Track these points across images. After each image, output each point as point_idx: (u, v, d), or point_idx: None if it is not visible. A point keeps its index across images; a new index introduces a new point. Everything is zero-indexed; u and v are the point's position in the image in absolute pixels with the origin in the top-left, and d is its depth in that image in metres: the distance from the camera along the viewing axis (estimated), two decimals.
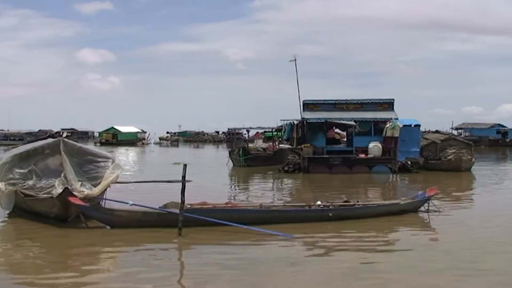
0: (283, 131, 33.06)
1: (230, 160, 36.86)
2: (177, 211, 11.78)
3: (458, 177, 27.99)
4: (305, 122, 30.51)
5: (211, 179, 27.19)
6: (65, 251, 10.99)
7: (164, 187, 17.49)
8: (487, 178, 28.52)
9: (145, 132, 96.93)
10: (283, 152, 36.14)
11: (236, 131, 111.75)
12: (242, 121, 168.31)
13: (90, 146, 18.69)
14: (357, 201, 14.62)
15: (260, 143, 43.95)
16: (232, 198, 19.57)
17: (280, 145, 36.00)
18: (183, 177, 11.66)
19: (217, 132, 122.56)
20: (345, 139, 35.14)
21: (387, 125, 29.47)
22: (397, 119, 29.94)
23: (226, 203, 13.89)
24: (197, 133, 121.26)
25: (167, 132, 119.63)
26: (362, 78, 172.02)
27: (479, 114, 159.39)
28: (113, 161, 15.08)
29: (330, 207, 13.91)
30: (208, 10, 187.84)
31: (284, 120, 32.62)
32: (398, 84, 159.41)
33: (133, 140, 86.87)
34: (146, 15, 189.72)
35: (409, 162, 30.47)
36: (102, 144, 79.88)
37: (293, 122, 31.07)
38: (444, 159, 30.44)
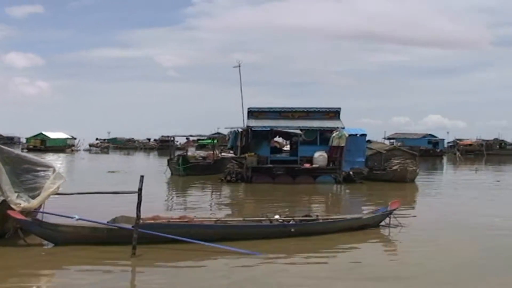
0: (227, 139, 32.05)
1: (168, 169, 35.56)
2: (130, 226, 10.58)
3: (403, 188, 27.77)
4: (249, 130, 29.51)
5: (151, 189, 25.81)
6: (0, 272, 9.59)
7: (108, 198, 16.21)
8: (431, 188, 28.49)
9: (75, 139, 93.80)
10: (223, 161, 35.31)
11: (170, 138, 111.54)
12: (173, 128, 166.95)
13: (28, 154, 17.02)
14: (317, 215, 13.78)
15: (195, 151, 42.52)
16: (179, 210, 18.40)
17: (222, 153, 34.98)
18: (140, 189, 10.49)
19: (148, 139, 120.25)
20: (288, 148, 34.62)
21: (334, 134, 29.02)
22: (343, 128, 29.49)
23: (181, 217, 12.74)
24: (128, 140, 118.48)
25: (97, 139, 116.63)
26: (296, 87, 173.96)
27: (406, 124, 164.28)
28: (54, 171, 13.65)
29: (291, 222, 13.04)
30: (141, 16, 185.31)
31: (229, 127, 31.67)
32: (330, 93, 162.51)
33: (62, 147, 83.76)
34: (78, 19, 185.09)
35: (351, 173, 30.02)
36: (29, 150, 75.98)
37: (238, 130, 30.11)
38: (389, 170, 30.20)
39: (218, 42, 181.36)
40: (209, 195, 25.12)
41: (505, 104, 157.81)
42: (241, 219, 13.36)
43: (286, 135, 32.05)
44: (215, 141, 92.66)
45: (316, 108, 31.10)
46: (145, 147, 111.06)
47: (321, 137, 29.98)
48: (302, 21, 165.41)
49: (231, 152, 32.35)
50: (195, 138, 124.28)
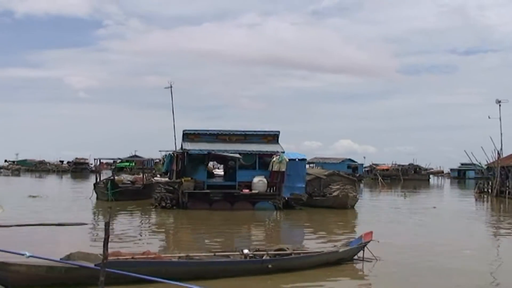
0: (162, 162, 30.19)
1: (94, 193, 33.28)
2: (93, 265, 8.85)
3: (344, 215, 27.05)
4: (185, 153, 27.90)
5: (80, 217, 23.76)
6: None
7: (45, 230, 14.25)
8: (373, 214, 27.76)
9: None
10: (152, 186, 33.52)
11: (83, 160, 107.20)
12: (83, 150, 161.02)
13: None
14: (293, 249, 12.48)
15: (122, 175, 40.11)
16: (116, 242, 16.45)
17: (155, 178, 33.04)
18: (107, 223, 8.77)
19: (61, 161, 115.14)
20: (221, 173, 33.24)
21: (274, 159, 27.88)
22: (283, 152, 28.45)
23: (144, 253, 11.04)
24: (40, 162, 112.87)
25: (5, 161, 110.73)
26: (207, 110, 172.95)
27: (318, 148, 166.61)
28: None
29: (265, 256, 11.66)
30: (50, 37, 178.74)
31: (163, 150, 29.98)
32: (243, 117, 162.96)
33: None
34: None
35: (288, 199, 28.95)
36: None
37: (173, 153, 28.41)
38: (330, 196, 29.34)
39: (131, 64, 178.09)
40: (144, 222, 23.34)
41: (410, 131, 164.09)
42: (211, 254, 11.81)
43: (222, 159, 30.62)
44: (133, 163, 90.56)
45: (254, 131, 29.95)
46: (57, 169, 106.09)
47: (260, 162, 28.81)
48: (214, 46, 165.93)
49: (166, 176, 30.43)
50: (110, 161, 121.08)
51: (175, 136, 30.40)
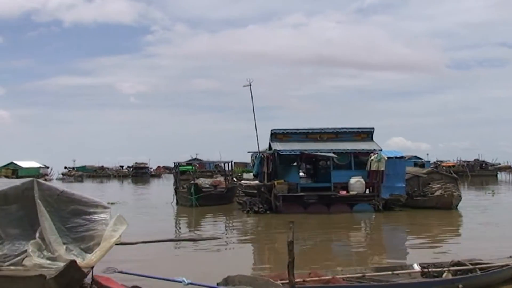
0: (251, 164, 28.33)
1: (174, 198, 31.83)
2: None
3: (450, 216, 24.62)
4: (276, 154, 25.99)
5: (167, 225, 22.36)
6: None
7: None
8: (483, 215, 25.10)
9: (48, 167, 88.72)
10: (235, 190, 31.91)
11: (143, 165, 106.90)
12: (138, 155, 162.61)
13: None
14: (475, 262, 10.35)
15: (200, 179, 38.53)
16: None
17: (243, 181, 31.21)
18: (291, 242, 6.88)
19: (121, 166, 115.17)
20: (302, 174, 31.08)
21: (372, 157, 25.71)
22: (381, 150, 26.22)
23: (311, 274, 9.08)
24: (100, 168, 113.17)
25: (65, 167, 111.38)
26: (258, 112, 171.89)
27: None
28: (110, 212, 9.95)
29: (445, 274, 9.56)
30: (100, 44, 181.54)
31: (252, 151, 28.14)
32: (292, 118, 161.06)
33: (35, 176, 77.74)
34: (37, 48, 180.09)
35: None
36: None
37: (263, 154, 26.52)
38: (432, 195, 26.92)
39: (179, 69, 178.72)
40: (249, 230, 21.47)
41: (464, 126, 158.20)
42: (388, 272, 9.77)
43: (311, 159, 28.56)
44: (191, 167, 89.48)
45: (347, 128, 27.83)
46: (118, 174, 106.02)
47: (355, 161, 26.65)
48: (261, 48, 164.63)
49: (255, 179, 28.55)
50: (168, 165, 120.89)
51: (257, 137, 28.57)
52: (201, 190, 30.68)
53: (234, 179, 38.81)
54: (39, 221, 9.16)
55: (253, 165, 28.61)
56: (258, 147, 29.38)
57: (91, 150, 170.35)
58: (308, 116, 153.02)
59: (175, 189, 32.03)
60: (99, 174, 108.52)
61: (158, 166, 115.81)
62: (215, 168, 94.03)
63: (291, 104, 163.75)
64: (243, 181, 30.47)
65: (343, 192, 25.77)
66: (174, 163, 37.01)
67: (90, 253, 9.27)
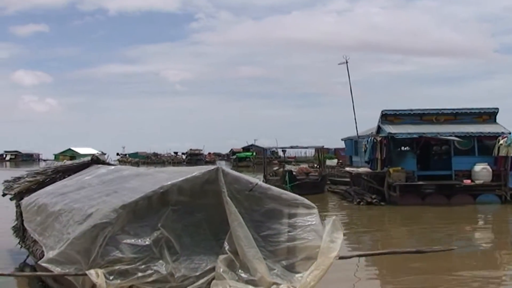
0: (363, 149, 25.19)
1: None
2: None
3: None
4: (390, 138, 22.83)
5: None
6: None
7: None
8: None
9: (105, 154, 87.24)
10: (326, 178, 29.02)
11: (197, 151, 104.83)
12: (183, 142, 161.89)
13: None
14: None
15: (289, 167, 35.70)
16: None
17: (348, 168, 28.06)
18: None
19: (175, 153, 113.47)
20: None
21: (501, 142, 22.27)
22: (510, 133, 22.76)
23: None
24: (154, 154, 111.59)
25: (118, 154, 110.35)
26: (302, 98, 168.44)
27: None
28: (318, 214, 7.06)
29: None
30: (146, 32, 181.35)
31: (345, 137, 25.07)
32: (336, 104, 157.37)
33: None
34: (83, 37, 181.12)
35: None
36: None
37: (375, 138, 23.36)
38: None
39: (223, 56, 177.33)
40: (366, 225, 18.50)
41: None
42: None
43: (426, 144, 25.19)
44: (254, 153, 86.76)
45: (467, 109, 24.52)
46: (173, 161, 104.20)
47: (478, 146, 23.25)
48: (305, 34, 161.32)
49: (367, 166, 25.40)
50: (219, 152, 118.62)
51: (355, 120, 25.63)
52: (296, 178, 27.74)
53: (316, 166, 35.99)
54: (228, 228, 6.35)
55: (365, 150, 25.41)
56: (357, 131, 26.50)
57: (138, 137, 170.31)
58: (355, 102, 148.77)
59: (264, 177, 29.15)
60: (153, 161, 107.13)
61: (209, 153, 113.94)
62: (272, 155, 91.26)
63: (336, 90, 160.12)
64: (348, 169, 27.25)
65: (468, 181, 22.47)
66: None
67: (297, 273, 6.46)
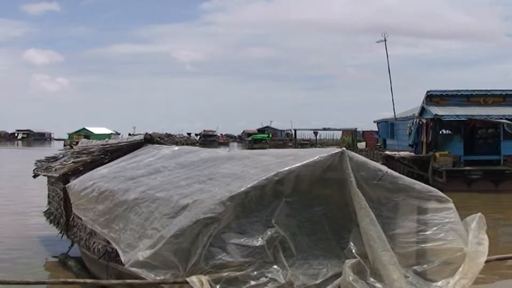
0: (408, 132, 23.82)
1: None
2: None
3: None
4: (437, 120, 21.47)
5: None
6: None
7: None
8: None
9: (119, 134, 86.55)
10: None
11: (211, 132, 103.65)
12: (192, 123, 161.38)
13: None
14: None
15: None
16: None
17: (388, 152, 26.67)
18: None
19: (189, 134, 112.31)
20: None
21: None
22: None
23: None
24: (167, 135, 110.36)
25: (130, 134, 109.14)
26: (314, 80, 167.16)
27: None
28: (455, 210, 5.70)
29: None
30: (157, 12, 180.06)
31: (378, 120, 23.69)
32: (348, 87, 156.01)
33: None
34: (94, 16, 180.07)
35: None
36: (72, 147, 69.07)
37: (420, 121, 21.99)
38: None
39: (234, 36, 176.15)
40: None
41: None
42: None
43: (475, 127, 23.83)
44: (270, 135, 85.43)
45: None
46: (186, 142, 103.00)
47: None
48: (316, 15, 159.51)
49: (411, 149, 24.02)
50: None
51: (393, 101, 24.18)
52: None
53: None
54: (351, 225, 5.10)
55: (409, 133, 24.00)
56: (394, 114, 25.10)
57: (148, 117, 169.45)
58: (365, 85, 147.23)
59: None
60: (166, 141, 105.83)
61: (221, 134, 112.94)
62: (287, 137, 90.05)
63: (348, 73, 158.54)
64: (389, 152, 25.86)
65: None
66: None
67: (433, 282, 5.20)
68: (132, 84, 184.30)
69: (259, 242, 4.82)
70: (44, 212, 11.51)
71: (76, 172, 9.10)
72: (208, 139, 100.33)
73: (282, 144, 73.29)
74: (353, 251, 5.06)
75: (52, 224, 10.70)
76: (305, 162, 5.07)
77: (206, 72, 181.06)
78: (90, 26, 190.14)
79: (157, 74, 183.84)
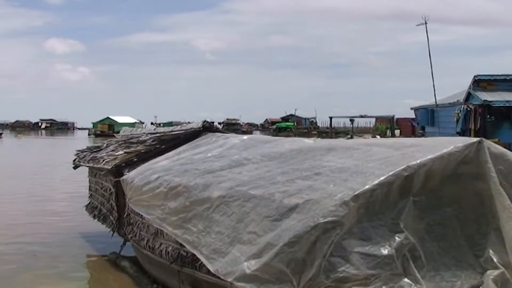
0: (455, 119, 22.78)
1: None
2: None
3: None
4: (486, 106, 20.41)
5: None
6: None
7: None
8: None
9: (143, 123, 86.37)
10: None
11: (234, 121, 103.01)
12: (212, 112, 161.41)
13: None
14: None
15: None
16: None
17: None
18: None
19: (212, 122, 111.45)
20: None
21: None
22: None
23: None
24: (189, 124, 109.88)
25: (152, 123, 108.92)
26: (334, 68, 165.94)
27: None
28: None
29: None
30: (177, 0, 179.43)
31: (416, 107, 22.63)
32: (370, 75, 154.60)
33: None
34: (115, 5, 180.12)
35: None
36: (97, 136, 70.11)
37: (468, 106, 20.93)
38: None
39: (254, 25, 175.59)
40: None
41: None
42: None
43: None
44: (295, 123, 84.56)
45: None
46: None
47: None
48: (336, 3, 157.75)
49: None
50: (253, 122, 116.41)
51: (433, 86, 23.04)
52: None
53: (377, 136, 33.52)
54: (485, 228, 4.24)
55: (457, 120, 22.95)
56: (435, 100, 24.05)
57: (169, 106, 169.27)
58: (386, 73, 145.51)
59: None
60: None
61: (244, 123, 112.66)
62: (311, 125, 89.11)
63: (368, 60, 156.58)
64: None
65: None
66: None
67: None
68: (152, 73, 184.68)
69: (387, 250, 3.99)
70: (85, 206, 10.83)
71: (130, 163, 8.31)
72: (231, 128, 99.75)
73: (307, 133, 72.47)
74: (494, 260, 4.21)
75: (96, 220, 10.02)
76: (438, 154, 4.21)
77: (226, 61, 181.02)
78: (111, 15, 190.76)
79: (177, 63, 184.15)
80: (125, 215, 7.98)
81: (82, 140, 61.31)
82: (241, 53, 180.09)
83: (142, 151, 8.41)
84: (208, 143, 7.66)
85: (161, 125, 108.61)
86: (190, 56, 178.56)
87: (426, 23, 24.46)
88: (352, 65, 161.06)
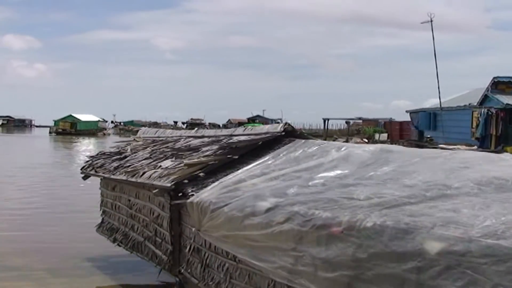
0: (475, 123, 21.26)
1: None
2: None
3: None
4: (506, 111, 19.10)
5: None
6: None
7: None
8: None
9: (106, 121, 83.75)
10: None
11: (198, 121, 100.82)
12: (172, 111, 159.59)
13: None
14: None
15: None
16: None
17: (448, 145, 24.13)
18: None
19: (175, 122, 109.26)
20: None
21: None
22: None
23: None
24: (154, 123, 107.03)
25: (112, 122, 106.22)
26: (294, 70, 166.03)
27: (407, 108, 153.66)
28: None
29: None
30: None
31: (411, 110, 21.21)
32: (330, 76, 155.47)
33: (94, 130, 74.69)
34: (74, 2, 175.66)
35: None
36: (58, 134, 67.42)
37: (488, 111, 19.52)
38: None
39: (215, 25, 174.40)
40: None
41: None
42: None
43: None
44: (262, 124, 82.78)
45: None
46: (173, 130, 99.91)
47: None
48: (299, 5, 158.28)
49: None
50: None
51: (438, 88, 21.72)
52: None
53: (365, 140, 32.12)
54: None
55: (476, 125, 21.48)
56: (440, 103, 22.69)
57: (127, 105, 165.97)
58: (345, 75, 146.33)
59: None
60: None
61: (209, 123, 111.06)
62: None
63: (329, 63, 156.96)
64: (445, 146, 23.27)
65: None
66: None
67: None
68: (112, 71, 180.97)
69: None
70: (97, 226, 8.87)
71: (191, 179, 6.25)
72: (195, 127, 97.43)
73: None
74: None
75: (116, 245, 8.09)
76: None
77: (186, 60, 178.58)
78: (70, 12, 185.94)
79: (137, 61, 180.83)
80: (189, 250, 6.02)
81: (42, 138, 58.35)
82: (202, 53, 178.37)
83: (210, 163, 6.36)
84: (294, 151, 5.78)
85: (122, 124, 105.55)
86: (150, 54, 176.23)
87: (431, 20, 23.04)
88: (312, 67, 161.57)
